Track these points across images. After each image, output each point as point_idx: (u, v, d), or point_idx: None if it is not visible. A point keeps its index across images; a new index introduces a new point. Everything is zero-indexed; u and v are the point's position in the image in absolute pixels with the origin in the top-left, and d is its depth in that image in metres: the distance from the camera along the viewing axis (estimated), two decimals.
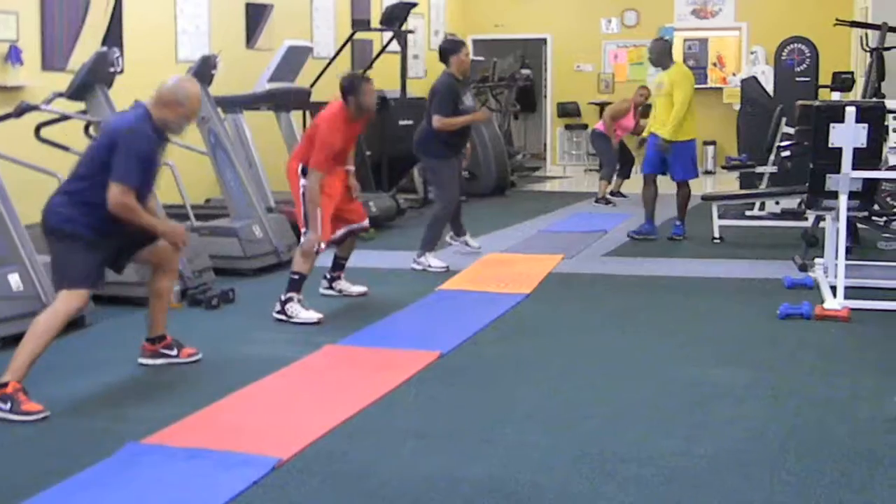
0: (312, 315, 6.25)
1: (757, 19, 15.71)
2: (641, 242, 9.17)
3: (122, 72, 7.16)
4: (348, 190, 6.72)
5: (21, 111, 6.83)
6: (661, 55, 9.10)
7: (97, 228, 4.76)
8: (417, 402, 4.75)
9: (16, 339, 4.90)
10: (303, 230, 6.42)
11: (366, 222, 6.91)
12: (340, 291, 6.98)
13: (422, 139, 8.16)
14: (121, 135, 4.79)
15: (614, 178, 12.42)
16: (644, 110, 11.95)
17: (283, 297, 6.29)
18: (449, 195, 8.10)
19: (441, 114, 7.87)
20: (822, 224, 7.71)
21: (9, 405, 4.43)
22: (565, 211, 11.58)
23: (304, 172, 6.41)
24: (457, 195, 8.22)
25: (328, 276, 7.00)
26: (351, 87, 6.47)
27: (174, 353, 5.31)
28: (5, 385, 4.46)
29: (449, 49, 8.03)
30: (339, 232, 6.70)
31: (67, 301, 4.69)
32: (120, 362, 5.33)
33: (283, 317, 6.25)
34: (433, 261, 7.97)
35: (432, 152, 8.08)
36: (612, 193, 12.32)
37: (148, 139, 4.84)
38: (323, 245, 6.40)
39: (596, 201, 12.11)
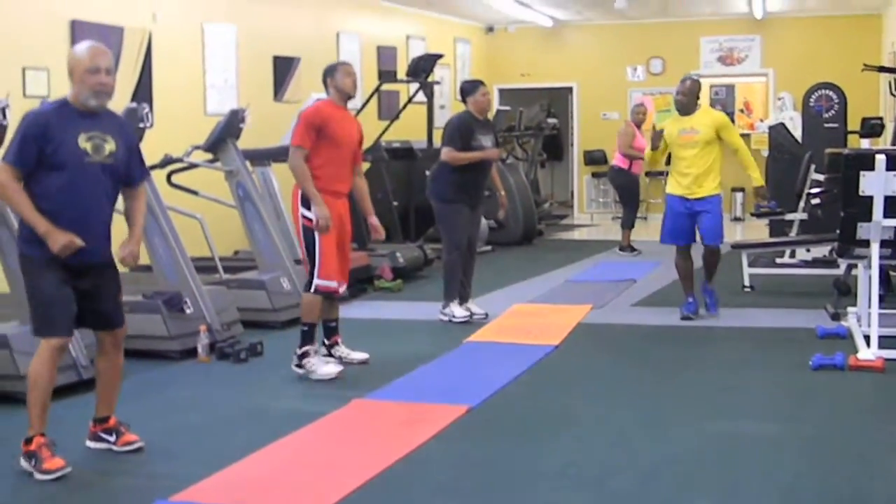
0: (331, 370, 6.15)
1: (783, 65, 15.72)
2: (671, 291, 9.07)
3: (151, 126, 7.20)
4: (344, 239, 6.33)
5: None
6: (693, 98, 7.77)
7: (40, 241, 4.44)
8: (447, 458, 4.70)
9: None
10: (306, 269, 6.21)
11: (342, 288, 6.39)
12: (341, 358, 6.53)
13: (431, 179, 7.99)
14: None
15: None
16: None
17: (298, 352, 6.19)
18: (455, 240, 7.76)
19: (450, 146, 7.71)
20: (854, 272, 7.64)
21: (32, 462, 4.43)
22: (593, 260, 11.53)
23: (304, 202, 6.13)
24: (464, 241, 7.79)
25: (325, 343, 6.57)
26: (327, 70, 6.39)
27: (112, 438, 4.80)
28: (30, 441, 4.47)
29: (466, 90, 7.94)
30: None
31: (48, 345, 4.49)
32: (147, 417, 5.28)
33: (301, 371, 6.17)
34: (457, 310, 7.83)
35: (440, 194, 7.82)
36: (621, 248, 11.97)
37: (36, 118, 4.47)
38: (330, 284, 6.15)
39: (620, 250, 11.87)
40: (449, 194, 7.76)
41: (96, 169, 4.54)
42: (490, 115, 8.55)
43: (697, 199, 7.66)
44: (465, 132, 7.73)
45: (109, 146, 4.58)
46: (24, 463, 4.47)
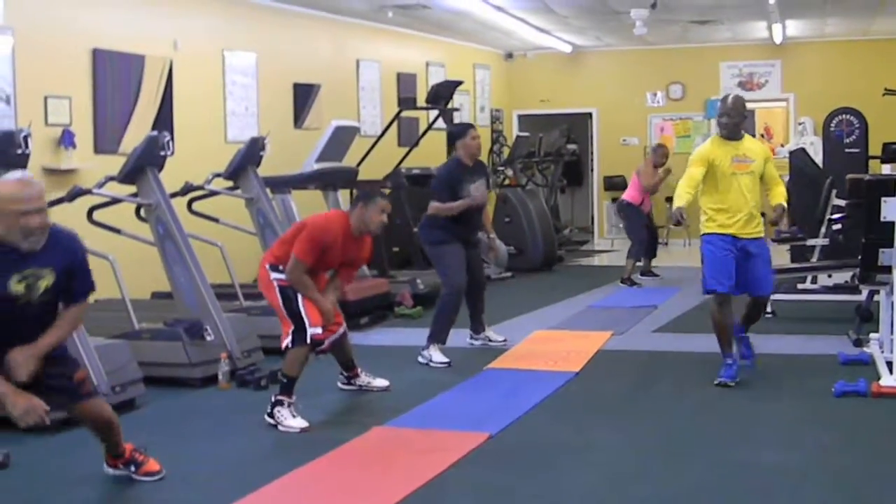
0: (298, 423, 5.69)
1: (804, 90, 15.67)
2: (695, 316, 9.03)
3: (172, 154, 7.25)
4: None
5: (73, 195, 6.94)
6: (741, 118, 6.56)
7: None
8: (467, 486, 4.68)
9: None
10: (287, 330, 5.86)
11: (324, 340, 5.99)
12: (360, 387, 6.57)
13: (422, 224, 7.76)
14: None
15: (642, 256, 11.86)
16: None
17: (273, 399, 5.83)
18: (452, 278, 7.44)
19: (436, 199, 7.47)
20: (876, 298, 7.59)
21: None
22: (613, 285, 11.48)
23: (274, 269, 5.97)
24: (461, 279, 7.47)
25: (344, 375, 6.60)
26: (364, 196, 6.08)
27: (132, 469, 4.74)
28: None
29: (455, 133, 7.70)
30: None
31: None
32: (167, 444, 5.28)
33: (271, 420, 5.75)
34: (436, 355, 7.37)
35: (430, 239, 7.57)
36: (642, 273, 11.78)
37: None
38: (319, 331, 5.85)
39: (622, 281, 11.48)
40: (439, 237, 7.51)
41: (28, 308, 4.22)
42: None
43: (750, 240, 6.54)
44: (453, 183, 7.46)
45: (46, 282, 4.22)
46: None
